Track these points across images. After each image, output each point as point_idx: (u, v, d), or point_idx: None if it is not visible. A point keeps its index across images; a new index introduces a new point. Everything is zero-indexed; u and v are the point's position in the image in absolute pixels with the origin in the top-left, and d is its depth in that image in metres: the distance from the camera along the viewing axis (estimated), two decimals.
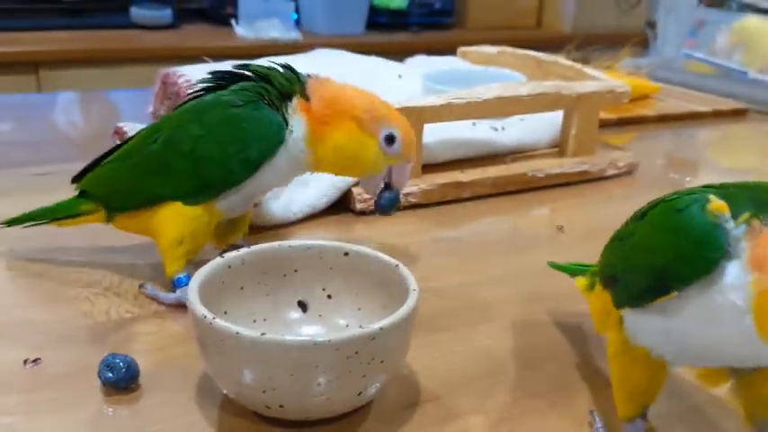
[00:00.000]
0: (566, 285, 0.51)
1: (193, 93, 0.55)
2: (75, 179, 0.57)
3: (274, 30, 2.09)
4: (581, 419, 0.42)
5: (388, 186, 0.55)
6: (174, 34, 2.08)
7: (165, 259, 0.52)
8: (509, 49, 0.97)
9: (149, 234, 0.53)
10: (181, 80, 0.74)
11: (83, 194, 0.56)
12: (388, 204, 0.55)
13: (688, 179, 0.90)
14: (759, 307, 0.32)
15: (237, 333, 0.37)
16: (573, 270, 0.51)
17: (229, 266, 0.45)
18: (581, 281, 0.47)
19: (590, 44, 1.30)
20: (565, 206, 0.78)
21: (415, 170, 0.72)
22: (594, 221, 0.72)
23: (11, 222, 0.57)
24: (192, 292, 0.40)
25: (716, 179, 0.38)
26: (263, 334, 0.37)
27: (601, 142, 0.88)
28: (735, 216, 0.33)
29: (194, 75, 0.75)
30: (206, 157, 0.50)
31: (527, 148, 0.84)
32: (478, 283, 0.58)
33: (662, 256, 0.34)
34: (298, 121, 0.52)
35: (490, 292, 0.57)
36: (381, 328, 0.38)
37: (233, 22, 2.12)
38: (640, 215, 0.38)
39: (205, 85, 0.54)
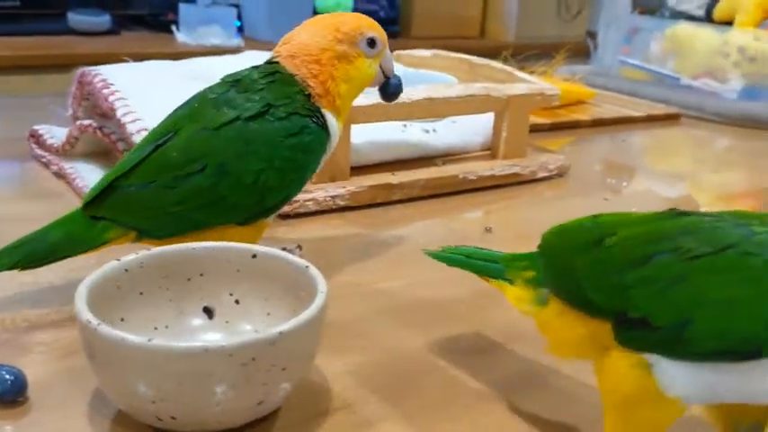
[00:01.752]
0: (493, 288, 0.50)
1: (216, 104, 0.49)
2: (89, 205, 0.48)
3: (216, 36, 2.06)
4: (496, 426, 0.41)
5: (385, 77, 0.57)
6: (113, 40, 2.03)
7: None
8: (442, 53, 0.96)
9: None
10: (96, 80, 0.71)
11: (101, 218, 0.48)
12: (396, 90, 0.58)
13: (624, 184, 0.91)
14: None
15: (123, 339, 0.34)
16: (461, 261, 0.44)
17: (126, 270, 0.42)
18: (515, 291, 0.41)
19: (532, 53, 1.31)
20: (496, 208, 0.77)
21: (343, 172, 0.71)
22: (525, 223, 0.71)
23: (23, 266, 0.48)
24: (79, 298, 0.37)
25: (650, 183, 0.37)
26: (150, 340, 0.34)
27: (533, 146, 0.88)
28: None
29: (111, 74, 0.72)
30: (270, 188, 0.49)
31: (459, 151, 0.82)
32: (405, 287, 0.56)
33: (759, 322, 0.30)
34: (326, 114, 0.52)
35: (415, 296, 0.55)
36: (281, 333, 0.35)
37: (173, 28, 2.08)
38: (693, 256, 0.33)
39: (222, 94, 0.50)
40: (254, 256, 0.44)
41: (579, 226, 0.39)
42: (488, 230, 0.69)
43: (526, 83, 0.83)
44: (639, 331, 0.33)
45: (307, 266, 0.42)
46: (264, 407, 0.37)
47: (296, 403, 0.41)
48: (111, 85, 0.70)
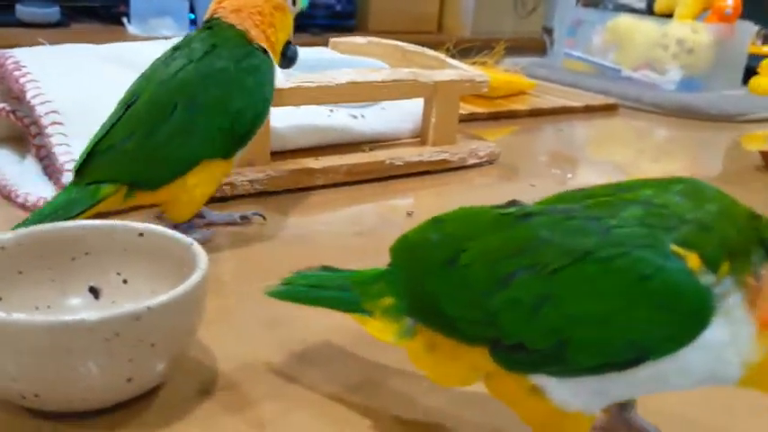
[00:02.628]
0: None
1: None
2: (77, 175, 0.51)
3: (167, 28, 2.03)
4: (384, 409, 0.40)
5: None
6: (63, 32, 1.98)
7: (183, 209, 0.55)
8: (376, 40, 0.96)
9: (173, 198, 0.54)
10: (9, 62, 0.69)
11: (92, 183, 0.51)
12: (294, 55, 0.61)
13: (556, 171, 0.91)
14: (763, 364, 0.29)
15: None
16: (307, 295, 0.39)
17: (3, 248, 0.40)
18: (376, 324, 0.37)
19: (489, 48, 1.30)
20: (423, 194, 0.76)
21: (262, 156, 0.69)
22: (450, 208, 0.71)
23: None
24: None
25: (585, 170, 0.35)
26: (9, 315, 0.33)
27: (467, 133, 0.88)
28: (709, 266, 0.29)
29: (24, 57, 0.70)
30: (237, 111, 0.54)
31: (388, 138, 0.82)
32: None
33: (638, 331, 0.29)
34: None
35: None
36: (149, 308, 0.34)
37: (125, 20, 2.04)
38: (553, 270, 0.30)
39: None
40: (141, 234, 0.43)
41: (426, 240, 0.35)
42: (410, 215, 0.68)
43: (455, 69, 0.82)
44: (519, 355, 0.31)
45: (191, 244, 0.41)
46: (136, 384, 0.36)
47: (177, 383, 0.40)
48: (23, 67, 0.68)
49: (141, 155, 0.51)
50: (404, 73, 0.77)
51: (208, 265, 0.39)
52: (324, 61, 0.89)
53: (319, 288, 0.39)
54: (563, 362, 0.30)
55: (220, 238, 0.60)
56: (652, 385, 0.31)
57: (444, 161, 0.80)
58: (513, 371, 0.32)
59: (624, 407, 0.38)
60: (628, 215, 0.30)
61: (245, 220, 0.62)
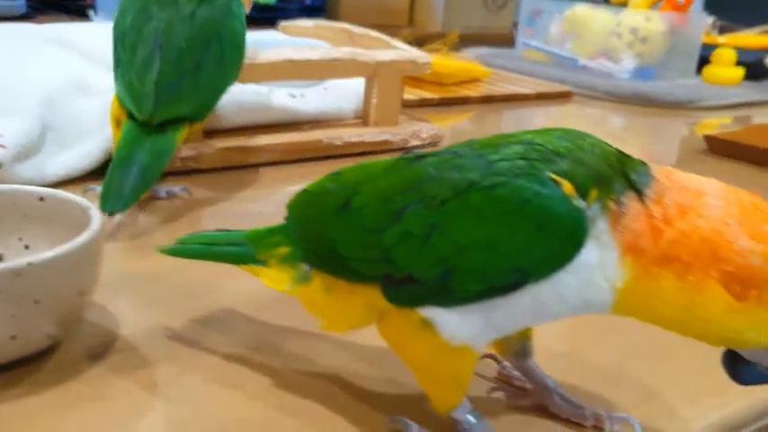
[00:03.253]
0: None
1: None
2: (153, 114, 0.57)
3: None
4: (282, 369, 0.40)
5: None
6: None
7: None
8: (325, 23, 0.96)
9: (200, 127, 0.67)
10: None
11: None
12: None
13: None
14: (628, 289, 0.31)
15: None
16: (201, 251, 0.41)
17: None
18: (270, 273, 0.38)
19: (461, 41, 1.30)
20: None
21: (194, 133, 0.69)
22: None
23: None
24: None
25: None
26: None
27: (412, 116, 0.88)
28: (580, 193, 0.30)
29: None
30: (244, 41, 0.65)
31: (331, 118, 0.82)
32: None
33: (518, 254, 0.30)
34: None
35: None
36: (29, 264, 0.34)
37: (91, 13, 2.03)
38: (440, 202, 0.31)
39: None
40: (41, 199, 0.43)
41: (323, 189, 0.36)
42: None
43: (396, 50, 0.82)
44: (408, 288, 0.32)
45: (89, 207, 0.41)
46: (21, 343, 0.36)
47: (72, 345, 0.40)
48: None
49: (196, 89, 0.58)
50: (343, 52, 0.77)
51: (101, 227, 0.38)
52: (268, 43, 0.88)
53: (213, 245, 0.40)
54: (449, 290, 0.31)
55: (145, 212, 0.59)
56: (533, 313, 0.32)
57: (386, 142, 0.80)
58: (403, 305, 0.33)
59: (521, 355, 0.38)
60: (509, 151, 0.32)
61: (171, 195, 0.62)
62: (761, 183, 0.81)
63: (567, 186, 0.30)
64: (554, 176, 0.30)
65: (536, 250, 0.30)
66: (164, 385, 0.38)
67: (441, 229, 0.31)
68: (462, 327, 0.33)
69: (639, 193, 0.31)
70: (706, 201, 0.31)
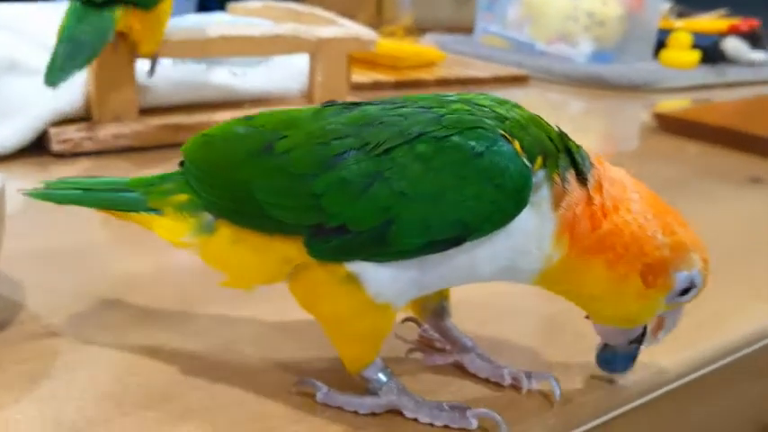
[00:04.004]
0: None
1: None
2: None
3: None
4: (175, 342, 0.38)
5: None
6: None
7: (153, 38, 0.66)
8: (273, 3, 0.94)
9: (151, 24, 0.65)
10: None
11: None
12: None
13: None
14: (556, 265, 0.32)
15: None
16: (78, 197, 0.37)
17: None
18: (166, 223, 0.35)
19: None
20: None
21: (129, 111, 0.67)
22: None
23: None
24: None
25: None
26: None
27: (362, 97, 0.86)
28: (527, 155, 0.30)
29: None
30: None
31: (274, 96, 0.80)
32: None
33: (464, 207, 0.29)
34: None
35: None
36: None
37: None
38: (386, 149, 0.30)
39: None
40: None
41: (231, 133, 0.34)
42: None
43: (341, 27, 0.81)
44: (338, 240, 0.30)
45: None
46: None
47: None
48: None
49: None
50: (284, 28, 0.75)
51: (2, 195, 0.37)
52: (212, 22, 0.86)
53: (92, 190, 0.37)
54: (386, 243, 0.30)
55: None
56: (462, 274, 0.32)
57: None
58: (328, 259, 0.31)
59: (439, 315, 0.37)
60: (455, 107, 0.31)
61: None
62: (712, 161, 0.81)
63: (517, 145, 0.30)
64: (505, 134, 0.30)
65: (483, 204, 0.29)
66: (65, 353, 0.36)
67: (383, 177, 0.30)
68: (390, 284, 0.31)
69: (582, 176, 0.32)
70: (630, 195, 0.32)
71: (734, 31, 1.34)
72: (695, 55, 1.29)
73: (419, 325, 0.39)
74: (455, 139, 0.30)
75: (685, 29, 1.33)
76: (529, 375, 0.35)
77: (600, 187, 0.32)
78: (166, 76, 0.71)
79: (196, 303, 0.41)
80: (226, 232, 0.33)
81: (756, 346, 0.41)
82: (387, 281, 0.31)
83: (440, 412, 0.32)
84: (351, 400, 0.33)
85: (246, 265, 0.33)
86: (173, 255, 0.40)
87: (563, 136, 0.33)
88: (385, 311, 0.32)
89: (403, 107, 0.32)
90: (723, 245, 0.56)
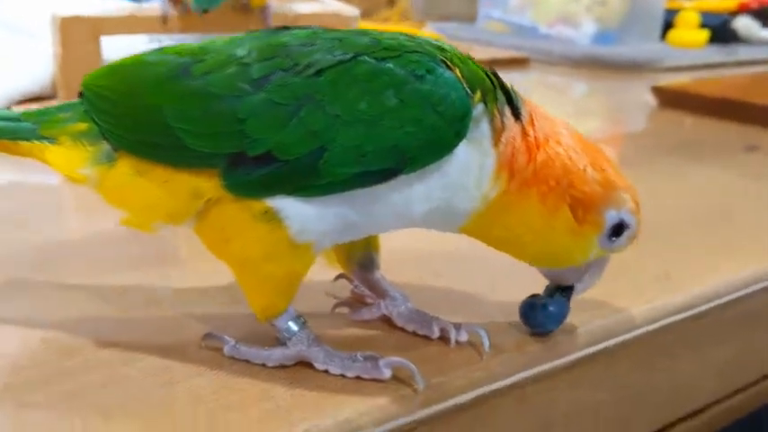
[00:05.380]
0: None
1: None
2: None
3: None
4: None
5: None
6: None
7: None
8: None
9: None
10: None
11: None
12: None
13: None
14: (493, 204, 0.30)
15: None
16: None
17: None
18: (60, 152, 0.31)
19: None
20: None
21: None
22: None
23: None
24: None
25: None
26: None
27: None
28: (468, 86, 0.29)
29: None
30: None
31: None
32: None
33: (402, 133, 0.28)
34: None
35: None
36: None
37: None
38: (319, 69, 0.28)
39: None
40: None
41: (140, 61, 0.31)
42: None
43: (320, 2, 0.79)
44: (261, 171, 0.28)
45: None
46: None
47: None
48: None
49: None
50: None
51: None
52: None
53: None
54: (316, 174, 0.28)
55: None
56: (394, 214, 0.30)
57: None
58: (247, 193, 0.29)
59: (366, 267, 0.35)
60: (393, 35, 0.30)
61: None
62: (707, 131, 0.77)
63: (457, 73, 0.29)
64: (446, 61, 0.29)
65: (422, 131, 0.28)
66: None
67: (316, 100, 0.28)
68: (315, 222, 0.29)
69: (517, 111, 0.31)
70: (559, 130, 0.31)
71: (744, 10, 1.30)
72: (704, 34, 1.25)
73: (350, 281, 0.37)
74: (395, 61, 0.28)
75: (694, 8, 1.29)
76: (458, 327, 0.32)
77: (532, 122, 0.31)
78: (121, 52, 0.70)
79: (119, 268, 0.40)
80: (127, 163, 0.30)
81: (723, 300, 0.38)
82: (311, 218, 0.29)
83: (352, 363, 0.30)
84: (258, 352, 0.30)
85: (149, 200, 0.30)
86: (95, 221, 0.39)
87: (497, 75, 0.31)
88: (305, 253, 0.30)
89: (337, 31, 0.30)
90: (706, 207, 0.53)
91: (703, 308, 0.37)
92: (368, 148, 0.28)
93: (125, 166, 0.31)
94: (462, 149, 0.29)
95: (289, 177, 0.28)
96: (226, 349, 0.31)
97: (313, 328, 0.31)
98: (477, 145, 0.30)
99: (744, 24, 1.28)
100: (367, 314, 0.34)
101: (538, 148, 0.30)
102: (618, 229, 0.31)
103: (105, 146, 0.31)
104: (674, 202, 0.54)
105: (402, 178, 0.29)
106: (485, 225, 0.31)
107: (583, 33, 1.21)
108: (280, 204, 0.29)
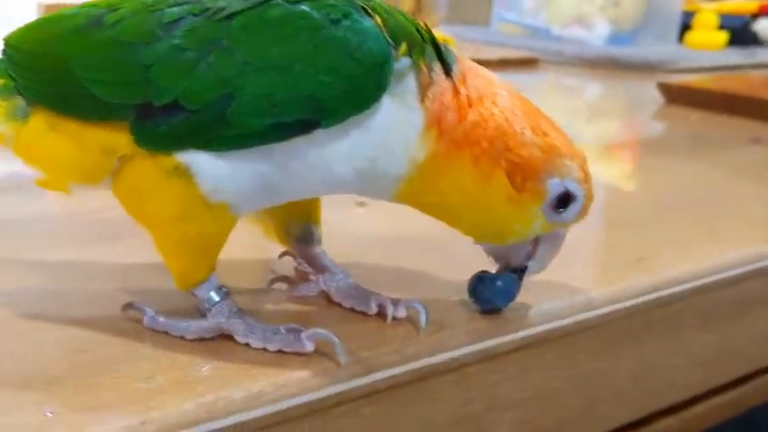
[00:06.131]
0: None
1: None
2: None
3: None
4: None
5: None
6: None
7: None
8: None
9: None
10: None
11: None
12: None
13: None
14: (423, 167, 0.28)
15: None
16: None
17: None
18: None
19: None
20: None
21: None
22: None
23: None
24: None
25: None
26: None
27: None
28: (390, 37, 0.27)
29: None
30: None
31: None
32: None
33: (316, 81, 0.26)
34: None
35: None
36: None
37: None
38: (226, 15, 0.27)
39: None
40: None
41: (59, 15, 0.30)
42: None
43: None
44: (169, 122, 0.27)
45: None
46: None
47: None
48: None
49: None
50: None
51: None
52: None
53: None
54: (225, 124, 0.26)
55: None
56: (317, 172, 0.28)
57: None
58: (156, 147, 0.27)
59: (305, 241, 0.33)
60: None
61: None
62: (713, 125, 0.74)
63: (378, 20, 0.27)
64: (367, 8, 0.27)
65: (337, 80, 0.26)
66: None
67: (224, 45, 0.26)
68: (229, 180, 0.27)
69: (448, 67, 0.29)
70: (497, 90, 0.29)
71: (765, 12, 1.26)
72: (722, 36, 1.21)
73: (294, 258, 0.35)
74: (310, 4, 0.27)
75: (713, 10, 1.26)
76: (396, 303, 0.30)
77: (465, 80, 0.29)
78: None
79: (64, 244, 0.38)
80: (41, 118, 0.29)
81: (693, 285, 0.36)
82: (225, 175, 0.27)
83: (273, 335, 0.28)
84: (176, 324, 0.29)
85: (62, 157, 0.29)
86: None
87: (429, 30, 0.30)
88: (221, 214, 0.28)
89: None
90: (694, 197, 0.50)
91: (671, 291, 0.35)
92: (280, 97, 0.26)
93: (38, 121, 0.29)
94: (386, 104, 0.27)
95: (197, 128, 0.27)
96: (145, 320, 0.29)
97: (250, 304, 0.29)
98: (403, 100, 0.28)
99: (764, 26, 1.24)
100: (304, 290, 0.32)
101: (470, 106, 0.28)
102: (564, 200, 0.29)
103: (20, 101, 0.30)
104: (662, 192, 0.51)
105: (321, 133, 0.27)
106: (417, 191, 0.29)
107: (596, 35, 1.18)
108: (191, 159, 0.27)
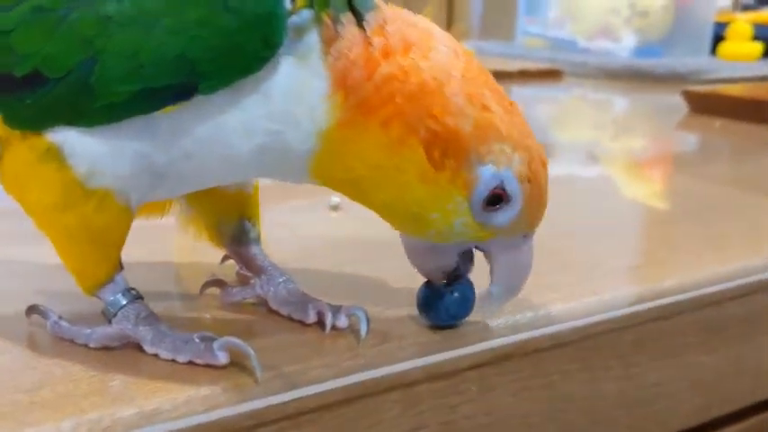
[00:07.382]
0: None
1: None
2: None
3: None
4: None
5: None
6: None
7: None
8: None
9: None
10: None
11: None
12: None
13: None
14: (330, 137, 0.24)
15: None
16: None
17: None
18: None
19: None
20: None
21: None
22: None
23: None
24: None
25: None
26: None
27: None
28: None
29: None
30: None
31: None
32: None
33: (189, 38, 0.22)
34: None
35: None
36: None
37: None
38: None
39: None
40: None
41: None
42: None
43: None
44: (34, 94, 0.24)
45: None
46: None
47: None
48: None
49: None
50: None
51: None
52: None
53: None
54: (89, 92, 0.23)
55: None
56: (213, 151, 0.24)
57: None
58: (27, 125, 0.24)
59: (240, 240, 0.30)
60: None
61: None
62: (734, 131, 0.69)
63: None
64: None
65: (213, 35, 0.22)
66: None
67: (87, 1, 0.23)
68: (106, 160, 0.24)
69: (359, 16, 0.24)
70: (435, 45, 0.24)
71: None
72: (758, 47, 1.16)
73: (238, 263, 0.31)
74: None
75: (747, 20, 1.20)
76: (337, 310, 0.27)
77: (383, 27, 0.24)
78: None
79: None
80: None
81: (687, 296, 0.31)
82: (101, 156, 0.24)
83: (184, 345, 0.24)
84: (80, 330, 0.25)
85: None
86: None
87: None
88: (104, 203, 0.24)
89: None
90: (711, 204, 0.46)
91: (666, 301, 0.30)
92: (145, 58, 0.22)
93: None
94: (285, 67, 0.23)
95: (62, 100, 0.23)
96: (48, 325, 0.26)
97: (178, 311, 0.26)
98: (305, 61, 0.23)
99: None
100: (239, 294, 0.29)
101: (386, 57, 0.24)
102: (496, 197, 0.24)
103: None
104: (666, 199, 0.46)
105: (205, 102, 0.23)
106: (327, 168, 0.25)
107: (622, 46, 1.14)
108: (62, 138, 0.24)
